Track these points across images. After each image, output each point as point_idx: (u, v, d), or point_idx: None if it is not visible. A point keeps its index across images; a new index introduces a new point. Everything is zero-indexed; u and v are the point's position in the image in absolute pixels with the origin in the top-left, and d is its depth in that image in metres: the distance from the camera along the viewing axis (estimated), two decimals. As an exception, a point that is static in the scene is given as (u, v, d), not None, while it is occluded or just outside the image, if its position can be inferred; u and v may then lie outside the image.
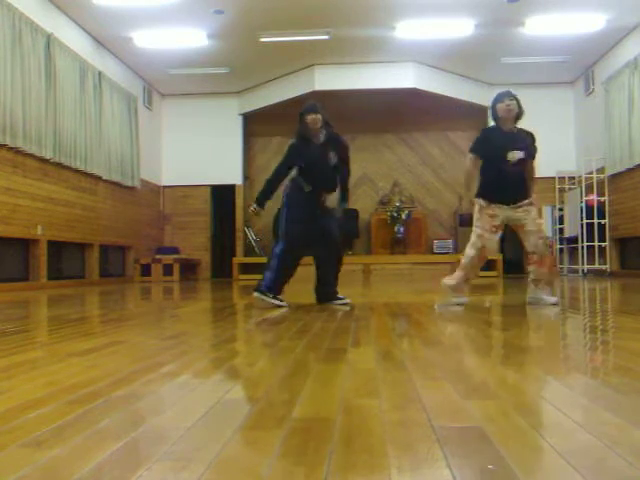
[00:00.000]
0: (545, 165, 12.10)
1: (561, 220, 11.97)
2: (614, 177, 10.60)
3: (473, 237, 4.05)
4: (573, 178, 11.96)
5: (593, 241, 10.80)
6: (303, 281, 4.68)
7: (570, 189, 11.89)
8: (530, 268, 4.04)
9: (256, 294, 4.11)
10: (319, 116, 4.16)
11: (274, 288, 4.13)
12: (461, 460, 0.94)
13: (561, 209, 12.03)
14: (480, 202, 4.02)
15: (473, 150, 4.06)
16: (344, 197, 4.43)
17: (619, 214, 10.56)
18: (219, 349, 2.25)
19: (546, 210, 12.43)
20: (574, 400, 1.35)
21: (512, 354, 2.08)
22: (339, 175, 4.34)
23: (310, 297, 4.44)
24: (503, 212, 3.98)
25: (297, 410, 1.26)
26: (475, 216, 4.06)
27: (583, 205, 10.93)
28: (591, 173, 11.03)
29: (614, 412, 1.21)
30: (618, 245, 10.84)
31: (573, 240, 11.43)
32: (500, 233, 4.08)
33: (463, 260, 4.08)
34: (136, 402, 1.36)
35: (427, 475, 0.89)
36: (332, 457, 0.96)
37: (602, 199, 10.89)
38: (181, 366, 1.83)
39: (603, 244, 10.81)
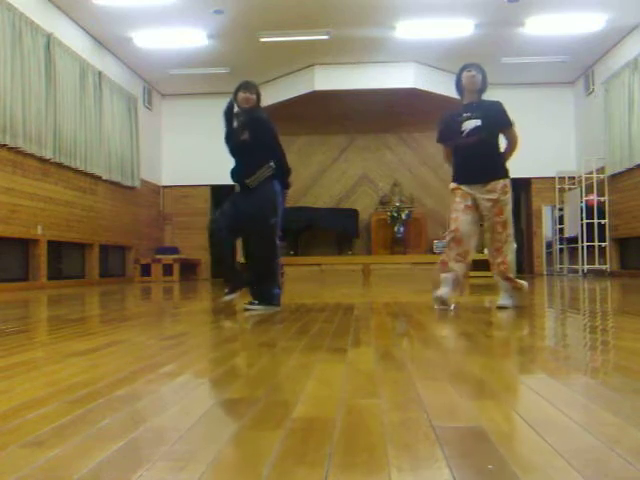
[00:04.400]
0: (545, 165, 12.14)
1: (561, 220, 11.97)
2: (614, 177, 10.60)
3: (450, 224, 3.84)
4: (573, 178, 11.96)
5: (593, 241, 10.79)
6: (303, 281, 4.68)
7: (570, 189, 11.89)
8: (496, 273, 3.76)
9: (264, 307, 3.87)
10: (253, 96, 3.94)
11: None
12: (461, 460, 0.94)
13: (561, 209, 12.03)
14: (451, 185, 3.88)
15: (438, 139, 4.02)
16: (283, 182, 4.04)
17: (619, 214, 10.55)
18: (219, 349, 2.25)
19: (546, 210, 12.45)
20: (574, 400, 1.35)
21: (512, 354, 2.08)
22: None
23: (309, 297, 4.43)
24: (473, 192, 3.73)
25: (297, 410, 1.26)
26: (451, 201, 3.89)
27: (583, 205, 10.93)
28: (591, 173, 11.03)
29: (614, 412, 1.21)
30: (618, 245, 10.84)
31: (573, 240, 11.43)
32: (473, 215, 3.75)
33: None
34: (136, 402, 1.36)
35: (427, 475, 0.89)
36: (332, 457, 0.96)
37: (602, 199, 10.89)
38: (181, 366, 1.83)
39: (603, 244, 10.81)
